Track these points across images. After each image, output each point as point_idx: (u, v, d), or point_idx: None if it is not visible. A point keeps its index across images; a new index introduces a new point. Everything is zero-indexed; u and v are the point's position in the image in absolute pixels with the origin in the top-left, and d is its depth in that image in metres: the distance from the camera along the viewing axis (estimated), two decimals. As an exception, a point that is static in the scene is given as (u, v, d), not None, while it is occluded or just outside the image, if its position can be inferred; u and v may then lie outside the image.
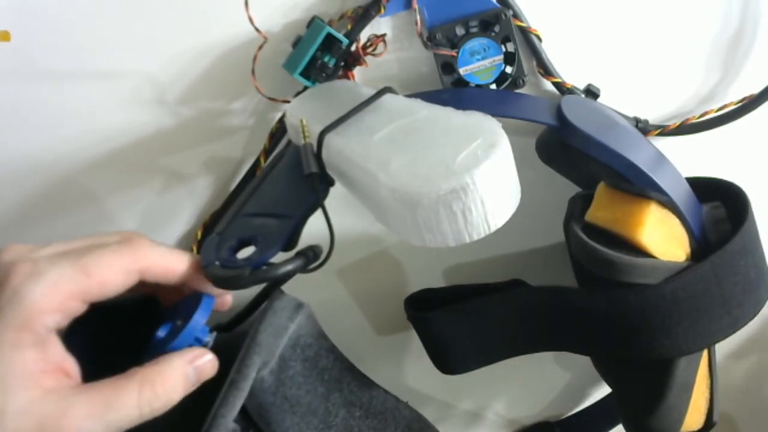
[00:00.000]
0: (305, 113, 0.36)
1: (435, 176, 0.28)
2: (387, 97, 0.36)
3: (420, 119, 0.33)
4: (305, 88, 0.40)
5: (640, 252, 0.36)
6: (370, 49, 0.41)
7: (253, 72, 0.40)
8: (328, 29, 0.39)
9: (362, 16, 0.40)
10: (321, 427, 0.39)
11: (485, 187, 0.27)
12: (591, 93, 0.43)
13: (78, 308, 0.30)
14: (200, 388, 0.34)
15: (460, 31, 0.41)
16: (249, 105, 0.43)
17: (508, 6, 0.41)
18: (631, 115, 0.43)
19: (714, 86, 0.43)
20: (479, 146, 0.28)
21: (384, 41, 0.41)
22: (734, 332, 0.37)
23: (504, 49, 0.41)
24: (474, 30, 0.41)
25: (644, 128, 0.43)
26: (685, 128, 0.42)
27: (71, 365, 0.30)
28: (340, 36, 0.39)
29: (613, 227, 0.36)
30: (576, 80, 0.43)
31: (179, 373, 0.32)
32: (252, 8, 0.39)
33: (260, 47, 0.40)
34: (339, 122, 0.34)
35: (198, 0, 0.40)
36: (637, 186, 0.36)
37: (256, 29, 0.39)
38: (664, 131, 0.42)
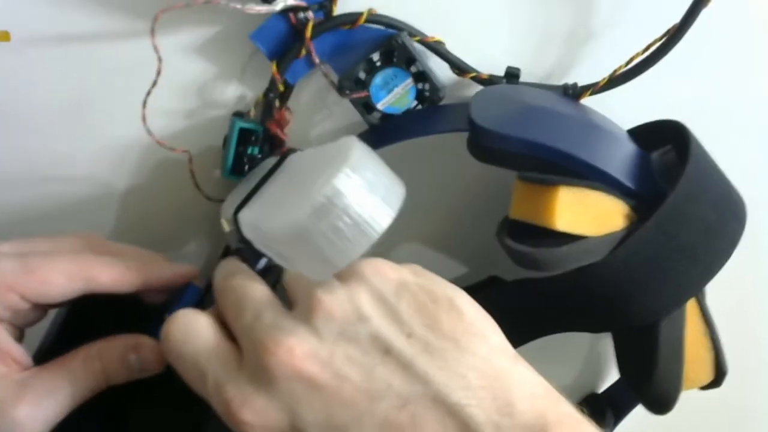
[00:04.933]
0: (233, 204, 0.39)
1: (299, 209, 0.29)
2: (289, 158, 0.38)
3: (298, 164, 0.35)
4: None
5: (571, 236, 0.35)
6: (284, 123, 0.42)
7: (197, 185, 0.42)
8: (240, 123, 0.41)
9: (265, 101, 0.42)
10: None
11: (343, 200, 0.28)
12: (512, 76, 0.42)
13: (18, 303, 0.32)
14: None
15: (365, 69, 0.42)
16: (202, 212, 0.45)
17: (400, 29, 0.41)
18: (560, 83, 0.42)
19: (632, 29, 0.40)
20: (334, 166, 0.29)
21: (287, 109, 0.42)
22: (712, 278, 0.36)
23: (413, 70, 0.42)
24: (379, 64, 0.42)
25: (575, 93, 0.41)
26: (617, 80, 0.40)
27: (18, 352, 0.32)
28: (251, 126, 0.41)
29: (533, 220, 0.36)
30: (496, 67, 0.42)
31: (118, 353, 0.33)
32: (167, 123, 0.42)
33: (190, 161, 0.42)
34: (247, 198, 0.36)
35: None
36: (545, 172, 0.35)
37: (168, 147, 0.40)
38: (596, 89, 0.40)
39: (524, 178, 0.37)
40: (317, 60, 0.41)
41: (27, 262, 0.32)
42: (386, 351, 0.27)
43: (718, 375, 0.38)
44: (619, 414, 0.44)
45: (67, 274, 0.32)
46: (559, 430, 0.26)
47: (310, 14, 0.41)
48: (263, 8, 0.40)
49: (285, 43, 0.42)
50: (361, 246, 0.29)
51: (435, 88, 0.42)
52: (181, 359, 0.30)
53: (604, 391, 0.47)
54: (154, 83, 0.38)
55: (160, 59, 0.37)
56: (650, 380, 0.36)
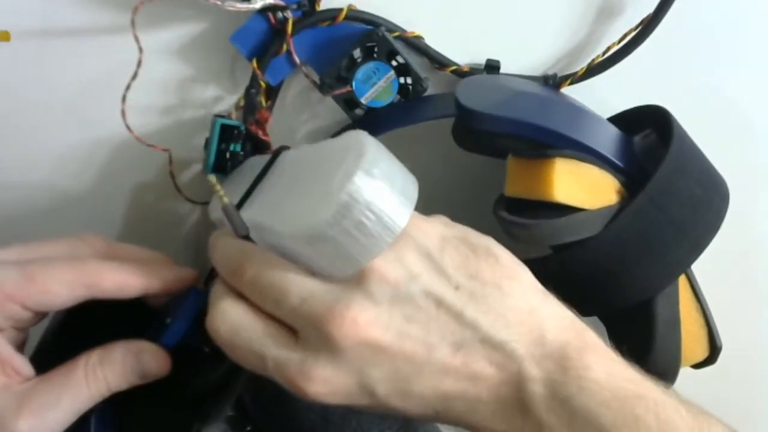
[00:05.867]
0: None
1: (319, 208, 0.28)
2: (282, 156, 0.37)
3: (301, 161, 0.34)
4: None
5: (568, 208, 0.35)
6: (265, 124, 0.42)
7: (177, 189, 0.42)
8: (221, 120, 0.40)
9: (247, 99, 0.41)
10: (318, 421, 0.39)
11: (365, 196, 0.28)
12: (491, 68, 0.42)
13: (19, 313, 0.31)
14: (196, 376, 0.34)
15: (346, 65, 0.41)
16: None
17: (379, 25, 0.42)
18: (540, 74, 0.43)
19: (608, 19, 0.42)
20: (350, 161, 0.29)
21: (267, 109, 0.42)
22: (700, 253, 0.36)
23: (394, 63, 0.42)
24: (359, 60, 0.42)
25: (555, 82, 0.42)
26: (594, 69, 0.41)
27: (20, 362, 0.31)
28: (233, 122, 0.41)
29: (531, 195, 0.36)
30: (476, 61, 0.43)
31: (120, 360, 0.32)
32: (149, 123, 0.42)
33: (170, 162, 0.41)
34: (244, 198, 0.35)
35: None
36: (536, 150, 0.36)
37: (147, 144, 0.40)
38: (575, 78, 0.41)
39: (519, 154, 0.37)
40: (297, 60, 0.41)
41: (27, 271, 0.31)
42: (438, 304, 0.29)
43: (713, 351, 0.39)
44: None
45: (68, 283, 0.32)
46: (579, 354, 0.29)
47: (289, 14, 0.41)
48: (242, 6, 0.40)
49: (265, 45, 0.41)
50: (384, 241, 0.28)
51: (418, 78, 0.42)
52: (237, 350, 0.30)
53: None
54: (135, 76, 0.37)
55: (141, 49, 0.37)
56: (648, 358, 0.36)
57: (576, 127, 0.37)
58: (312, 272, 0.31)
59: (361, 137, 0.30)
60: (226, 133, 0.40)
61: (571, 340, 0.30)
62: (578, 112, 0.38)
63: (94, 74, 0.41)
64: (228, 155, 0.41)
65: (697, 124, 0.40)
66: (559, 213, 0.35)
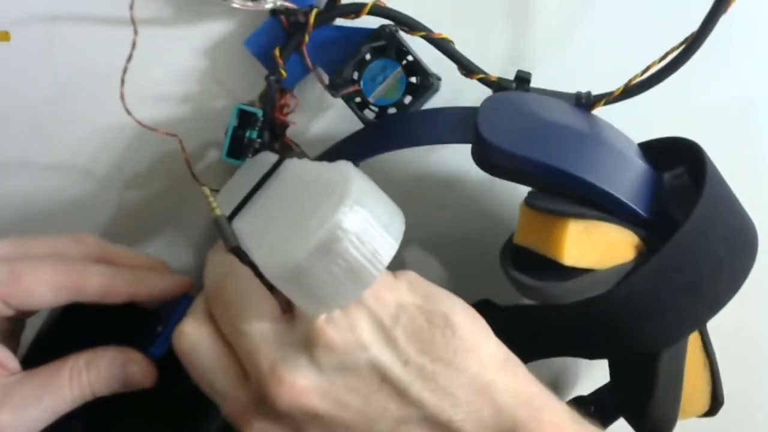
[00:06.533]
0: (227, 200, 0.37)
1: (294, 247, 0.27)
2: (285, 165, 0.36)
3: (295, 181, 0.33)
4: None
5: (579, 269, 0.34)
6: (286, 109, 0.41)
7: (194, 176, 0.41)
8: (239, 106, 0.40)
9: (266, 86, 0.40)
10: None
11: (338, 245, 0.27)
12: (521, 80, 0.39)
13: (2, 310, 0.32)
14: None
15: (356, 64, 0.39)
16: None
17: (404, 23, 0.38)
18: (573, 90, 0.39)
19: (650, 35, 0.38)
20: (331, 202, 0.27)
21: (291, 94, 0.40)
22: (716, 313, 0.34)
23: (404, 62, 0.39)
24: (369, 57, 0.39)
25: (588, 102, 0.38)
26: (632, 90, 0.37)
27: (4, 356, 0.32)
28: (251, 109, 0.40)
29: (540, 249, 0.34)
30: (506, 70, 0.39)
31: (106, 367, 0.33)
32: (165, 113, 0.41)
33: (183, 149, 0.41)
34: (243, 203, 0.35)
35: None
36: (549, 203, 0.34)
37: (150, 128, 0.39)
38: (610, 99, 0.38)
39: (532, 205, 0.35)
40: (310, 63, 0.39)
41: (14, 269, 0.32)
42: (383, 378, 0.28)
43: (714, 405, 0.38)
44: (605, 420, 0.42)
45: (53, 285, 0.32)
46: None
47: (301, 18, 0.39)
48: (251, 4, 0.38)
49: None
50: (357, 290, 0.28)
51: (426, 76, 0.39)
52: (191, 371, 0.31)
53: (592, 394, 0.46)
54: (130, 57, 0.37)
55: (136, 32, 0.36)
56: (646, 410, 0.35)
57: (603, 172, 0.34)
58: (283, 306, 0.30)
59: (347, 174, 0.29)
60: (244, 119, 0.40)
61: (523, 419, 0.29)
62: (608, 151, 0.35)
63: (97, 69, 0.40)
64: (245, 141, 0.40)
65: (737, 153, 0.37)
66: (569, 272, 0.33)
